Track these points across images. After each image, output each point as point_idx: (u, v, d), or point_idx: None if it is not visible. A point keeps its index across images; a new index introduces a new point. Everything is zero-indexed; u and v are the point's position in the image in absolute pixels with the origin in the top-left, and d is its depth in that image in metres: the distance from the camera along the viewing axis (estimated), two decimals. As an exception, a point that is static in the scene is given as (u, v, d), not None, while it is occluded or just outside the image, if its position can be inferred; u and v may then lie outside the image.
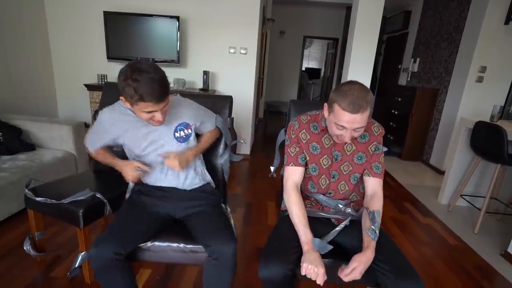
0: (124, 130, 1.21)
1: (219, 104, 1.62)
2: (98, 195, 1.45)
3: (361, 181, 1.23)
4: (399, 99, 4.30)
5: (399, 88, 4.56)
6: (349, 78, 3.33)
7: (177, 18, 3.14)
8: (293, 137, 1.19)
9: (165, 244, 1.18)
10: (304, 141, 1.18)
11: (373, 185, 1.17)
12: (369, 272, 1.05)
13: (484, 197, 2.31)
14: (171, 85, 3.34)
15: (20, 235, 1.83)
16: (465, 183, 2.59)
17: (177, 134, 1.24)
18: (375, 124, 1.19)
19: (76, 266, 1.40)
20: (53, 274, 1.56)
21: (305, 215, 1.11)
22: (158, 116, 1.07)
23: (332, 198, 1.23)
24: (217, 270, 1.12)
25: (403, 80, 4.85)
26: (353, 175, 1.18)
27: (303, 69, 8.11)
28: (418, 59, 4.39)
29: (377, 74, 5.82)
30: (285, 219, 1.23)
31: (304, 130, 1.18)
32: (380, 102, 5.62)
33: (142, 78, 0.96)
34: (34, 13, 3.17)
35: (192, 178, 1.31)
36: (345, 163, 1.17)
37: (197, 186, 1.33)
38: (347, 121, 0.97)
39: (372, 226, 1.05)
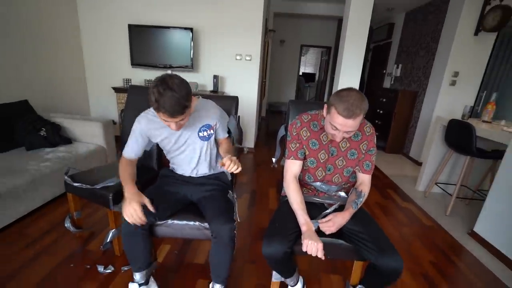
0: (158, 133, 1.23)
1: (227, 103, 1.62)
2: (126, 182, 1.48)
3: (353, 173, 1.23)
4: (384, 100, 4.27)
5: (383, 90, 4.52)
6: (340, 82, 3.31)
7: (191, 29, 3.13)
8: (294, 134, 1.20)
9: (183, 222, 1.21)
10: (304, 138, 1.18)
11: (363, 178, 1.19)
12: (357, 249, 1.08)
13: (455, 184, 2.31)
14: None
15: (61, 214, 1.87)
16: (439, 172, 2.58)
17: (200, 134, 1.25)
18: (367, 125, 1.18)
19: (108, 241, 1.45)
20: (88, 247, 1.61)
21: (303, 201, 1.13)
22: (172, 126, 1.07)
23: (326, 185, 1.24)
24: (217, 246, 1.15)
25: (387, 83, 4.81)
26: (346, 168, 1.19)
27: (300, 73, 8.05)
28: (400, 65, 4.34)
29: (365, 78, 5.77)
30: (284, 204, 1.24)
31: (305, 128, 1.18)
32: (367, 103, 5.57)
33: (165, 93, 0.96)
34: (68, 23, 3.17)
35: (206, 169, 1.34)
36: (340, 158, 1.18)
37: (210, 173, 1.35)
38: (340, 124, 0.98)
39: (356, 200, 1.11)
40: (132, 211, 1.04)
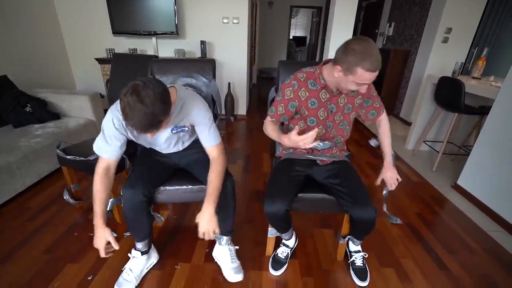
0: (130, 134, 1.09)
1: (203, 66, 1.55)
2: (119, 152, 1.46)
3: (347, 126, 1.22)
4: (375, 61, 4.16)
5: (375, 51, 4.38)
6: (331, 44, 3.18)
7: (173, -9, 2.88)
8: (287, 96, 1.12)
9: (176, 187, 1.24)
10: (303, 98, 1.13)
11: (379, 123, 1.30)
12: (336, 197, 1.15)
13: (442, 142, 2.36)
14: (173, 55, 3.20)
15: (60, 188, 1.88)
16: (428, 131, 2.62)
17: (174, 131, 1.13)
18: None
19: (108, 209, 1.45)
20: (90, 216, 1.63)
21: (278, 128, 1.12)
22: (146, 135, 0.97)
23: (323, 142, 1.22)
24: (221, 202, 1.09)
25: (379, 43, 4.64)
26: (342, 122, 1.19)
27: (291, 37, 7.69)
28: (393, 23, 4.16)
29: (357, 39, 5.55)
30: (280, 164, 1.26)
31: (303, 88, 1.12)
32: (359, 65, 5.44)
33: (135, 107, 0.79)
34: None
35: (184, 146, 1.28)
36: (338, 114, 1.17)
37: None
38: (370, 79, 0.94)
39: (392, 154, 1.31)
40: (103, 242, 0.99)
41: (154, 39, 3.09)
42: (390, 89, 3.95)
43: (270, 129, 1.12)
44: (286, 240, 1.33)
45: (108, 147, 1.03)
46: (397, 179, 1.20)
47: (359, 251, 1.29)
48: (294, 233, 1.37)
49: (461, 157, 2.54)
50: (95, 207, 1.01)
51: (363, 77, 0.92)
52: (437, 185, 2.15)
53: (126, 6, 2.94)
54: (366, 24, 5.29)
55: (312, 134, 0.88)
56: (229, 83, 3.39)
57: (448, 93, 2.23)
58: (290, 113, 1.15)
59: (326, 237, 1.53)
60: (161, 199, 1.25)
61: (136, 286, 1.19)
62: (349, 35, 3.11)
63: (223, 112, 3.51)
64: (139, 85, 0.80)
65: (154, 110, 0.82)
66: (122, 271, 1.22)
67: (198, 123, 1.08)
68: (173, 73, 1.58)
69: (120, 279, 1.19)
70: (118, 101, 0.91)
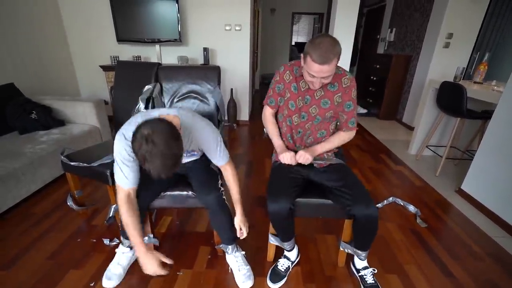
0: None
1: (208, 73, 1.58)
2: (122, 158, 1.48)
3: (326, 127, 1.22)
4: (377, 66, 4.18)
5: (377, 56, 4.41)
6: (332, 49, 3.20)
7: (176, 0, 2.94)
8: (275, 79, 1.24)
9: (176, 193, 1.26)
10: (287, 81, 1.20)
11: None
12: (340, 203, 1.14)
13: (446, 146, 2.35)
14: (176, 62, 3.25)
15: (63, 194, 1.90)
16: (431, 135, 2.62)
17: (184, 155, 1.20)
18: (346, 76, 1.15)
19: (111, 215, 1.48)
20: (93, 222, 1.65)
21: (276, 132, 1.29)
22: None
23: (301, 138, 1.25)
24: (212, 214, 1.24)
25: (381, 49, 4.67)
26: (317, 117, 1.19)
27: (293, 43, 7.76)
28: (394, 29, 4.19)
29: (358, 44, 5.59)
30: (277, 167, 1.27)
31: (288, 71, 1.19)
32: (361, 70, 5.47)
33: (157, 155, 0.80)
34: (49, 2, 2.96)
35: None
36: (313, 106, 1.18)
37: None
38: (316, 71, 0.99)
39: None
40: (155, 263, 1.02)
41: (157, 46, 3.15)
42: (392, 94, 3.96)
43: (271, 128, 1.29)
44: (288, 251, 1.31)
45: (125, 178, 1.02)
46: (306, 158, 1.16)
47: (366, 267, 1.24)
48: (296, 246, 1.36)
49: (464, 162, 2.52)
50: (132, 238, 1.01)
51: (312, 67, 0.99)
52: (440, 190, 2.14)
53: (131, 14, 3.01)
54: (367, 30, 5.34)
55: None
56: (231, 89, 3.43)
57: (450, 98, 2.23)
58: (276, 95, 1.25)
59: (329, 242, 1.53)
60: (161, 204, 1.27)
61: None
62: (350, 41, 3.14)
63: (226, 118, 3.53)
64: (149, 134, 0.80)
65: (173, 151, 0.83)
66: (111, 265, 1.27)
67: (207, 149, 1.14)
68: (179, 80, 1.61)
69: (109, 272, 1.24)
70: (124, 131, 1.00)
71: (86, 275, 1.28)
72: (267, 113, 1.32)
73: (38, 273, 1.28)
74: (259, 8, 5.12)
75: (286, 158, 1.17)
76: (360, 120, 4.07)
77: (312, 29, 7.91)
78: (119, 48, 3.23)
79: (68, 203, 1.66)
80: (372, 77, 4.31)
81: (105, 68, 3.10)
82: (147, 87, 1.68)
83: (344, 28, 3.10)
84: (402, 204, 1.91)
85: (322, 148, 1.21)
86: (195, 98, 1.57)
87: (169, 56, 3.31)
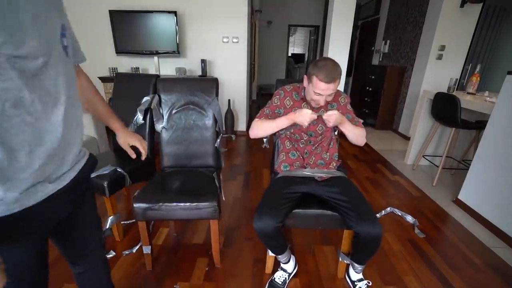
0: None
1: (206, 85, 1.61)
2: (119, 169, 1.49)
3: (332, 145, 1.31)
4: (373, 77, 4.27)
5: (372, 67, 4.51)
6: (328, 61, 3.28)
7: (175, 13, 3.02)
8: (274, 103, 1.28)
9: (173, 203, 1.25)
10: (288, 106, 1.27)
11: None
12: (342, 217, 1.13)
13: (442, 156, 2.38)
14: (174, 73, 3.29)
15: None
16: (427, 145, 2.65)
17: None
18: (342, 96, 1.30)
19: (107, 227, 1.47)
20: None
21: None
22: None
23: (308, 158, 1.29)
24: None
25: (376, 60, 4.79)
26: (325, 132, 1.28)
27: (289, 54, 7.92)
28: (388, 41, 4.31)
29: (354, 56, 5.72)
30: (277, 180, 1.28)
31: (288, 97, 1.28)
32: (356, 80, 5.58)
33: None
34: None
35: None
36: (319, 125, 1.26)
37: None
38: (322, 89, 1.08)
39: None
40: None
41: (156, 58, 3.20)
42: (388, 104, 4.03)
43: (264, 123, 1.23)
44: (284, 263, 1.30)
45: None
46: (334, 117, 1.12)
47: (361, 280, 1.25)
48: (293, 257, 1.35)
49: (461, 171, 2.55)
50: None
51: (319, 86, 1.08)
52: (438, 200, 2.15)
53: (129, 26, 3.08)
54: (362, 42, 5.47)
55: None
56: (229, 100, 3.47)
57: (444, 108, 2.28)
58: (275, 116, 1.28)
59: (327, 254, 1.52)
60: (158, 215, 1.26)
61: None
62: (345, 52, 3.23)
63: (224, 129, 3.56)
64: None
65: None
66: None
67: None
68: (177, 92, 1.64)
69: None
70: None
71: (80, 290, 1.25)
72: (259, 120, 1.28)
73: (31, 287, 1.26)
74: (256, 21, 5.25)
75: (304, 115, 1.10)
76: (357, 130, 4.12)
77: (308, 41, 8.10)
78: (118, 59, 3.28)
79: (63, 215, 1.64)
80: (367, 88, 4.40)
81: (103, 79, 3.14)
82: (145, 98, 1.70)
83: (340, 40, 3.19)
84: (400, 214, 1.92)
85: (349, 124, 1.19)
86: (193, 109, 1.59)
87: (167, 67, 3.36)
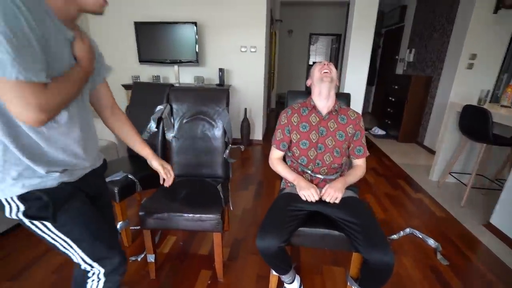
0: None
1: (217, 96, 1.61)
2: (130, 176, 1.52)
3: (343, 156, 1.25)
4: (396, 87, 4.09)
5: (396, 76, 4.33)
6: (348, 70, 3.21)
7: (195, 23, 3.11)
8: (283, 122, 1.28)
9: (178, 214, 1.24)
10: (295, 124, 1.26)
11: (357, 162, 1.28)
12: (347, 235, 1.07)
13: (471, 174, 2.19)
14: (192, 81, 3.37)
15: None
16: (454, 161, 2.46)
17: None
18: (351, 110, 1.29)
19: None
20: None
21: (288, 167, 1.28)
22: None
23: (320, 168, 1.23)
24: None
25: (400, 69, 4.59)
26: (335, 149, 1.23)
27: (311, 63, 7.86)
28: (413, 50, 4.12)
29: (377, 65, 5.54)
30: (283, 196, 1.23)
31: (296, 114, 1.27)
32: (379, 90, 5.39)
33: None
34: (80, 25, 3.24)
35: None
36: (329, 138, 1.22)
37: None
38: (319, 63, 1.23)
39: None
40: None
41: (176, 66, 3.30)
42: (412, 115, 3.82)
43: (281, 168, 1.28)
44: (288, 284, 1.24)
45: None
46: (335, 197, 1.11)
47: None
48: (298, 277, 1.28)
49: (494, 192, 2.33)
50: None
51: (316, 67, 1.23)
52: (466, 223, 1.97)
53: (152, 37, 3.21)
54: (386, 50, 5.30)
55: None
56: (245, 109, 3.48)
57: (474, 122, 2.11)
58: (287, 138, 1.27)
59: (336, 275, 1.43)
60: (164, 225, 1.26)
61: None
62: (365, 61, 3.13)
63: (231, 138, 3.57)
64: None
65: None
66: None
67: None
68: (188, 101, 1.66)
69: None
70: None
71: (85, 294, 1.27)
72: (275, 156, 1.32)
73: (41, 286, 1.30)
74: (276, 30, 5.27)
75: (309, 195, 1.11)
76: (378, 142, 3.94)
77: (330, 49, 7.99)
78: (140, 68, 3.43)
79: (78, 218, 1.70)
80: (390, 98, 4.22)
81: (126, 87, 3.28)
82: (159, 107, 1.74)
83: (360, 49, 3.11)
84: (420, 236, 1.77)
85: (347, 182, 1.18)
86: (202, 119, 1.59)
87: (186, 76, 3.45)
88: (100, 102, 0.93)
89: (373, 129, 4.34)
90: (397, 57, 4.68)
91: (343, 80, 3.30)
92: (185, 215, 1.24)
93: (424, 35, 3.88)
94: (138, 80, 3.34)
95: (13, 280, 1.34)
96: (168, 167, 1.05)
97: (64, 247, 0.77)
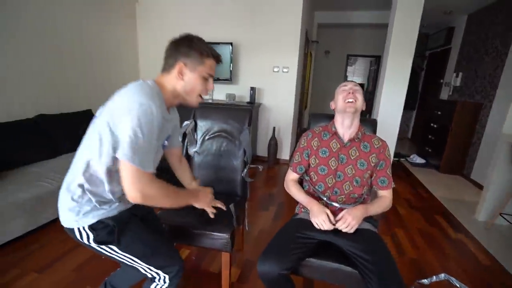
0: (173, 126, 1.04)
1: (240, 115, 1.63)
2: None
3: (364, 186, 1.17)
4: (439, 113, 3.78)
5: (439, 102, 4.01)
6: (383, 93, 3.07)
7: (231, 44, 3.28)
8: (303, 144, 1.24)
9: (190, 228, 1.25)
10: (314, 148, 1.21)
11: (382, 193, 1.17)
12: (359, 271, 0.98)
13: (526, 217, 1.88)
14: (224, 98, 3.50)
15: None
16: (506, 201, 2.14)
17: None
18: (376, 138, 1.18)
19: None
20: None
21: (303, 190, 1.23)
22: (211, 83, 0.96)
23: (337, 196, 1.17)
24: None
25: (444, 94, 4.26)
26: (355, 178, 1.15)
27: (347, 84, 7.70)
28: (460, 73, 3.81)
29: (419, 88, 5.22)
30: (293, 221, 1.19)
31: (316, 138, 1.23)
32: (420, 115, 5.03)
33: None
34: (129, 42, 3.65)
35: None
36: (349, 166, 1.15)
37: None
38: (345, 84, 1.18)
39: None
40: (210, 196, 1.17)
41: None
42: (457, 144, 3.46)
43: (295, 190, 1.23)
44: None
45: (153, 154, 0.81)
46: (352, 226, 1.03)
47: None
48: None
49: (558, 242, 1.96)
50: (180, 198, 0.98)
51: (341, 86, 1.20)
52: (518, 275, 1.67)
53: (191, 56, 3.45)
54: (429, 73, 4.98)
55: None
56: (274, 128, 3.49)
57: (530, 158, 1.84)
58: (305, 162, 1.23)
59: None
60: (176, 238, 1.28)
61: None
62: (403, 85, 2.97)
63: (250, 157, 3.57)
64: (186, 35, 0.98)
65: None
66: None
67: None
68: (212, 119, 1.72)
69: None
70: (147, 86, 0.81)
71: (97, 296, 1.33)
72: (290, 178, 1.28)
73: (60, 283, 1.40)
74: (312, 51, 5.30)
75: (321, 223, 1.04)
76: (416, 171, 3.62)
77: (368, 71, 7.77)
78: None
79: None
80: (432, 124, 3.89)
81: (164, 100, 3.53)
82: (186, 122, 1.83)
83: (397, 72, 2.97)
84: (457, 285, 1.54)
85: (368, 211, 1.08)
86: (224, 137, 1.63)
87: (219, 93, 3.61)
88: (172, 155, 1.17)
89: (411, 157, 4.02)
90: (442, 81, 4.36)
91: (378, 104, 3.15)
92: (197, 231, 1.24)
93: (473, 59, 3.57)
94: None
95: (39, 272, 1.46)
96: (218, 204, 1.20)
97: (130, 263, 0.91)
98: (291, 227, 1.13)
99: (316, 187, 1.21)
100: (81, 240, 0.86)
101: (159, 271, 0.93)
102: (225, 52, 3.33)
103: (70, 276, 1.45)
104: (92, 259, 1.60)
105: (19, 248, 1.64)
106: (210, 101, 3.41)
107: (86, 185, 0.83)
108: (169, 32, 3.69)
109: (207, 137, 1.68)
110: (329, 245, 1.09)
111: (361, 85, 9.30)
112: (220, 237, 1.22)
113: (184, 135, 1.81)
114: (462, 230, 2.19)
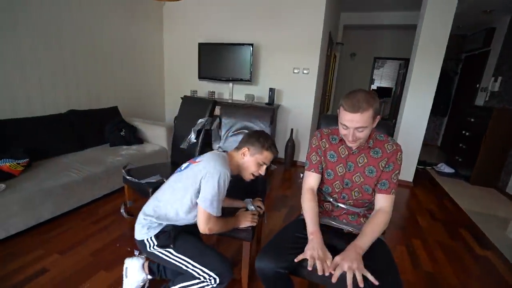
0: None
1: (263, 113, 1.67)
2: (165, 180, 1.67)
3: (374, 192, 1.11)
4: (472, 120, 3.51)
5: (473, 108, 3.73)
6: (408, 97, 2.93)
7: (251, 45, 3.32)
8: (314, 145, 1.19)
9: None
10: (323, 149, 1.17)
11: (379, 201, 1.07)
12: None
13: None
14: (243, 98, 3.55)
15: (121, 202, 2.22)
16: (543, 218, 1.94)
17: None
18: (390, 142, 1.08)
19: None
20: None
21: (316, 212, 1.09)
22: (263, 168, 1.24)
23: (346, 201, 1.14)
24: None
25: (480, 100, 3.95)
26: (364, 186, 1.09)
27: (375, 87, 7.42)
28: (499, 78, 3.51)
29: (451, 93, 4.89)
30: (296, 222, 1.19)
31: (325, 139, 1.18)
32: (452, 122, 4.72)
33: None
34: (155, 44, 3.85)
35: None
36: (357, 174, 1.10)
37: None
38: (348, 120, 0.97)
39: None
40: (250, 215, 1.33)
41: (230, 84, 3.55)
42: (491, 155, 3.19)
43: (308, 207, 1.10)
44: None
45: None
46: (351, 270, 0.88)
47: None
48: None
49: None
50: (227, 225, 1.22)
51: (344, 116, 0.98)
52: (551, 301, 1.51)
53: (212, 56, 3.56)
54: (464, 78, 4.65)
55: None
56: (291, 129, 3.47)
57: None
58: (322, 159, 1.17)
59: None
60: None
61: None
62: (431, 89, 2.83)
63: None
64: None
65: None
66: None
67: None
68: (236, 117, 1.78)
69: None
70: (223, 157, 1.14)
71: (110, 279, 1.43)
72: (309, 185, 1.17)
73: (78, 265, 1.51)
74: (336, 53, 5.20)
75: (318, 267, 0.90)
76: (442, 181, 3.39)
77: (397, 75, 7.42)
78: (199, 83, 3.80)
79: (121, 211, 1.94)
80: (464, 132, 3.63)
81: (185, 99, 3.67)
82: (200, 120, 1.90)
83: (425, 75, 2.84)
84: (477, 304, 1.43)
85: (362, 247, 0.95)
86: (246, 134, 1.68)
87: (239, 93, 3.66)
88: None
89: (439, 165, 3.77)
90: (478, 85, 4.06)
91: (403, 108, 3.01)
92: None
93: (514, 62, 3.28)
94: (196, 94, 3.70)
95: (61, 254, 1.59)
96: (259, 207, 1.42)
97: (186, 266, 1.08)
98: (292, 227, 1.13)
99: (323, 189, 1.19)
100: (148, 250, 1.12)
101: (211, 273, 1.05)
102: (245, 53, 3.38)
103: (87, 259, 1.57)
104: (109, 245, 1.70)
105: (44, 232, 1.79)
106: (230, 101, 3.48)
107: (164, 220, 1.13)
108: (193, 34, 3.86)
109: (230, 134, 1.74)
110: (329, 247, 1.07)
111: (388, 89, 8.87)
112: (245, 228, 1.26)
113: (200, 132, 1.87)
114: (490, 247, 2.02)
